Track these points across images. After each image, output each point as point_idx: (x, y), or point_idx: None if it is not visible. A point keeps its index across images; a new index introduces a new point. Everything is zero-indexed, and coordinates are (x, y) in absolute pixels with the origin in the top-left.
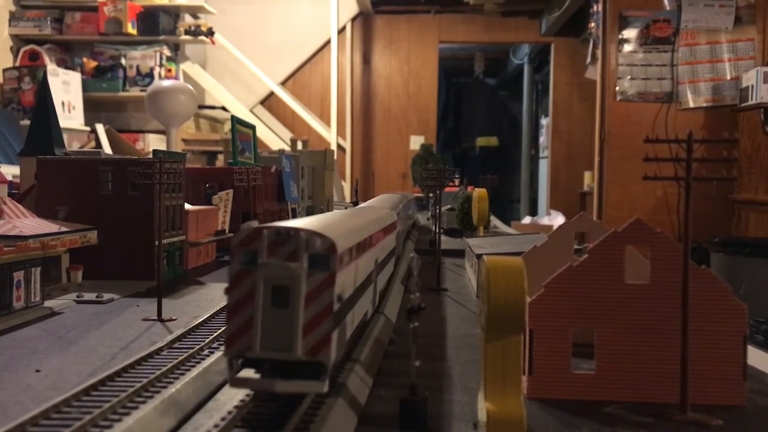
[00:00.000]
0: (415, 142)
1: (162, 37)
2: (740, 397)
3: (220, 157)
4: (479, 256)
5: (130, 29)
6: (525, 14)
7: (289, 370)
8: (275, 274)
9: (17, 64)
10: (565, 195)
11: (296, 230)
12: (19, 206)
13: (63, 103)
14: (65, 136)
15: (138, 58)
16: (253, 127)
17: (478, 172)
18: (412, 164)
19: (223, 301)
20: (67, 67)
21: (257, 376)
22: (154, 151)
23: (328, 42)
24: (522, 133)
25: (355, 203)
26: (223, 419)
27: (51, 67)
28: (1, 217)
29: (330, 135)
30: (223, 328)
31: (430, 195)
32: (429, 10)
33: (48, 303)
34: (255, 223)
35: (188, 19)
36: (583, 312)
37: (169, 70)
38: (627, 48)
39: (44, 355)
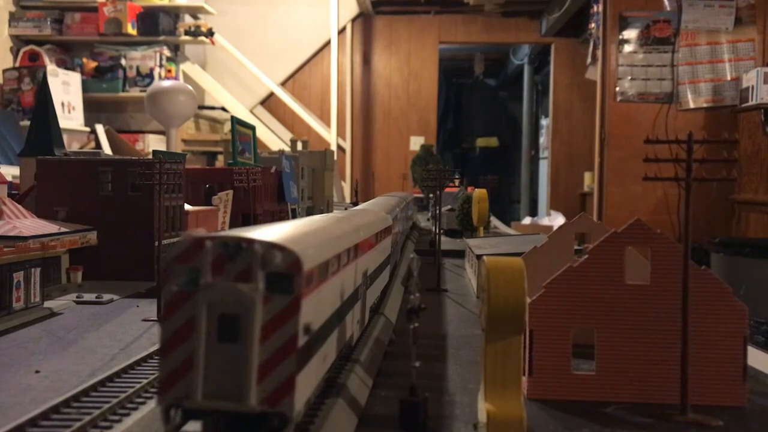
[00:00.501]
0: (415, 143)
1: (162, 38)
2: (740, 398)
3: (220, 157)
4: (479, 257)
5: (130, 30)
6: (525, 15)
7: (240, 423)
8: (222, 300)
9: (17, 64)
10: (566, 195)
11: (249, 242)
12: (19, 207)
13: (63, 104)
14: (65, 137)
15: (138, 58)
16: (252, 128)
17: (478, 172)
18: (412, 165)
19: None
20: (66, 68)
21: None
22: (154, 152)
23: (328, 42)
24: (522, 133)
25: (355, 204)
26: None
27: (51, 67)
28: (0, 217)
29: (330, 135)
30: None
31: (430, 196)
32: (429, 11)
33: (48, 304)
34: (202, 231)
35: (188, 19)
36: (583, 312)
37: (169, 71)
38: (627, 48)
39: (44, 355)
